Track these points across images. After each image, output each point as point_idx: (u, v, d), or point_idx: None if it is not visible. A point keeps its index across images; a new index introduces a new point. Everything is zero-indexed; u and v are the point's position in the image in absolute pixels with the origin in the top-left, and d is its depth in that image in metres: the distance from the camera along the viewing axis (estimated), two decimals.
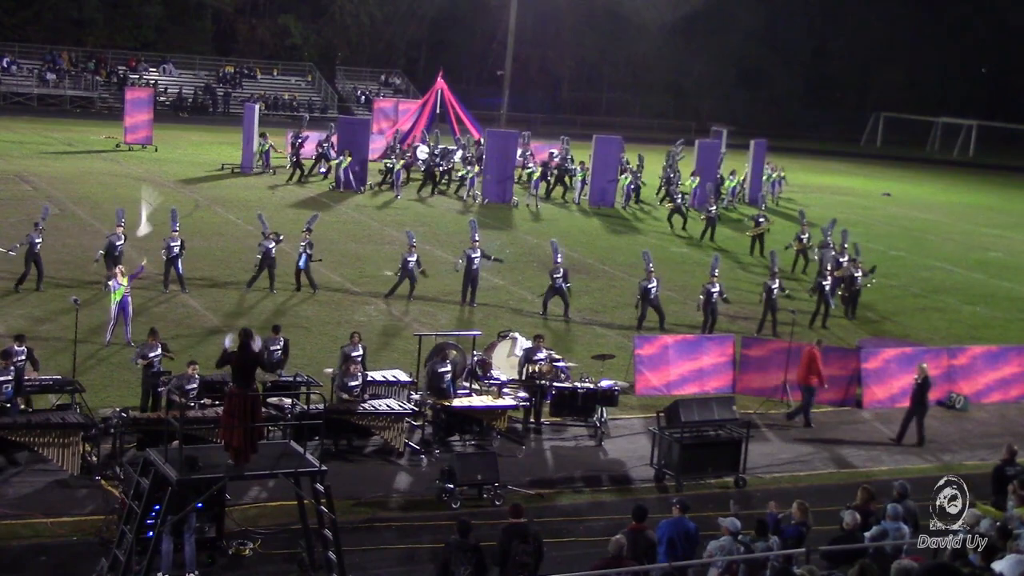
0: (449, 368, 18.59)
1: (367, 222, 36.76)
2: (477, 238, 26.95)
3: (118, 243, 25.43)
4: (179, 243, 25.62)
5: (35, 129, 53.60)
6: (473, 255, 26.62)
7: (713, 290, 25.15)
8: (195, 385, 16.83)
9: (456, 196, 43.19)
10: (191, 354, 20.45)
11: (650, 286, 25.38)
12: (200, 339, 22.37)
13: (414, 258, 26.62)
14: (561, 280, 26.04)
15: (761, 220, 35.87)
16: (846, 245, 30.25)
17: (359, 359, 18.82)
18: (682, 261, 34.06)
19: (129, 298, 21.76)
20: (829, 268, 28.28)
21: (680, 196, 41.00)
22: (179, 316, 24.07)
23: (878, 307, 30.59)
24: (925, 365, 20.55)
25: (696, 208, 41.11)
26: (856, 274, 28.47)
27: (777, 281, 26.03)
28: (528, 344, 20.52)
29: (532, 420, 19.22)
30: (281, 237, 26.92)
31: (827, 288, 27.45)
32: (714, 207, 38.59)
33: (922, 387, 20.23)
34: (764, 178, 48.62)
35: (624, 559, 11.80)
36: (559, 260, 26.40)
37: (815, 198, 52.36)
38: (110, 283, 21.89)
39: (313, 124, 50.41)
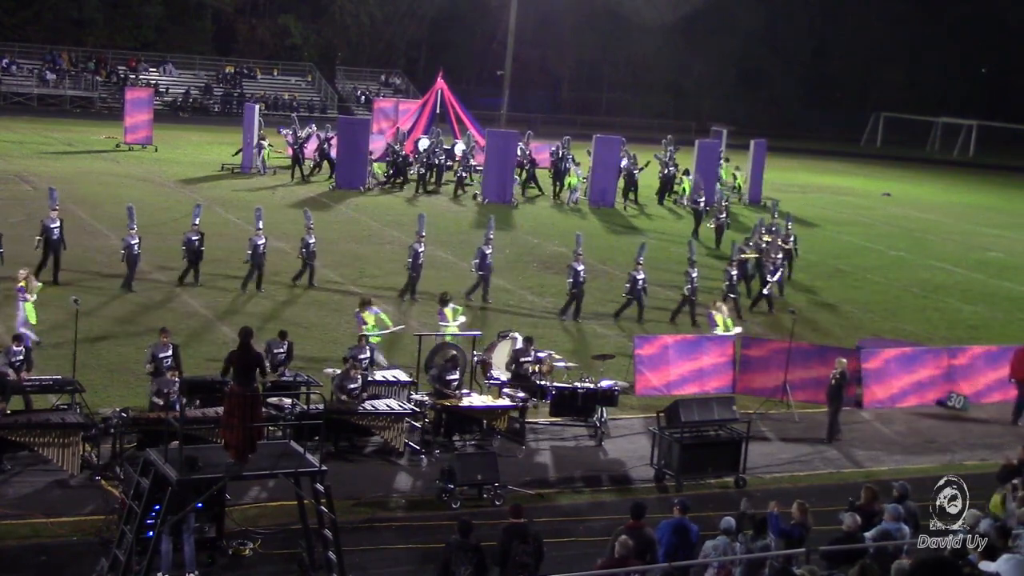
0: (458, 376, 18.62)
1: (367, 222, 36.76)
2: (423, 233, 26.91)
3: (132, 242, 25.46)
4: (137, 240, 25.52)
5: (35, 129, 53.60)
6: (419, 249, 26.55)
7: (638, 276, 25.92)
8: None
9: (454, 197, 43.22)
10: (191, 354, 20.51)
11: (639, 277, 25.90)
12: (200, 339, 22.37)
13: (262, 241, 26.48)
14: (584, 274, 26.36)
15: (789, 232, 33.63)
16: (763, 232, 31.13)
17: (365, 361, 18.83)
18: (682, 261, 33.91)
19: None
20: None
21: (681, 195, 41.08)
22: (179, 316, 24.07)
23: (878, 307, 30.62)
24: (844, 360, 20.46)
25: (684, 203, 41.17)
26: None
27: (735, 270, 27.29)
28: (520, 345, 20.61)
29: (521, 420, 19.14)
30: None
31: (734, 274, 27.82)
32: (702, 200, 38.56)
33: (839, 383, 20.14)
34: (731, 177, 47.91)
35: (630, 559, 11.80)
36: (581, 252, 26.56)
37: (815, 198, 52.38)
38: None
39: (306, 121, 50.45)
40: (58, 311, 23.03)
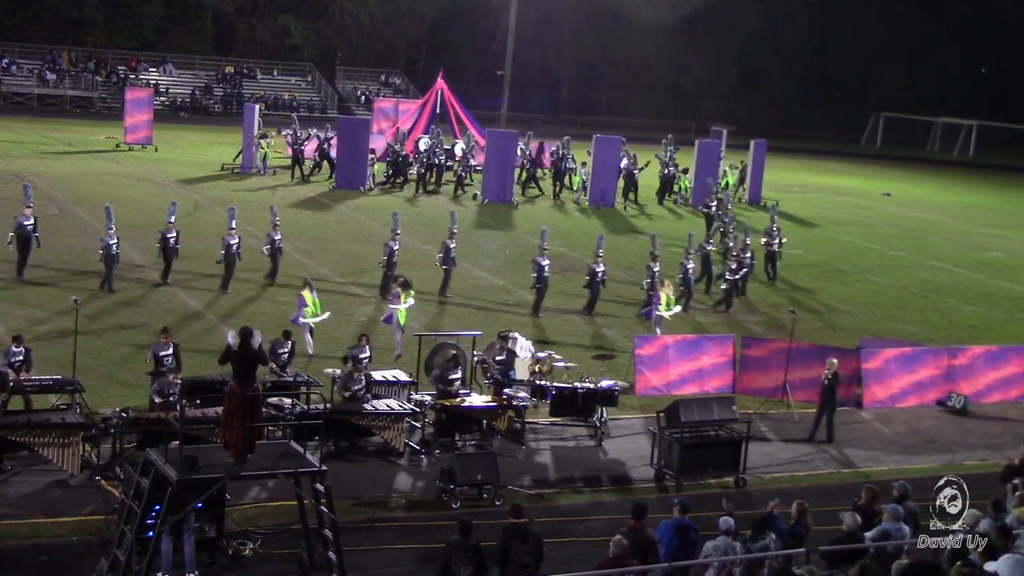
0: (459, 375, 18.63)
1: (367, 222, 36.73)
2: (399, 231, 27.18)
3: (111, 242, 25.38)
4: (115, 240, 25.41)
5: (35, 129, 53.60)
6: (394, 247, 26.72)
7: (598, 269, 26.32)
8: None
9: (454, 197, 43.25)
10: (192, 353, 20.51)
11: (598, 269, 26.44)
12: (200, 339, 22.37)
13: (236, 241, 26.35)
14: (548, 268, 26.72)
15: (774, 233, 33.21)
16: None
17: (365, 360, 18.84)
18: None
19: None
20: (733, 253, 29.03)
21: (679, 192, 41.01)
22: (178, 316, 24.06)
23: (878, 307, 30.61)
24: (835, 361, 20.40)
25: (694, 206, 41.17)
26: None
27: (691, 263, 27.63)
28: (528, 343, 20.64)
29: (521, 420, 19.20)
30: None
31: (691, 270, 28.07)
32: (714, 204, 38.57)
33: (832, 383, 20.11)
34: (721, 177, 47.72)
35: (626, 560, 11.79)
36: (546, 246, 26.89)
37: (815, 198, 52.39)
38: None
39: (307, 123, 50.45)
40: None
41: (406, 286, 22.98)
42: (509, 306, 27.27)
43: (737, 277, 28.45)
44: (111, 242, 25.30)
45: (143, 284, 26.41)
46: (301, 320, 21.84)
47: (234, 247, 26.25)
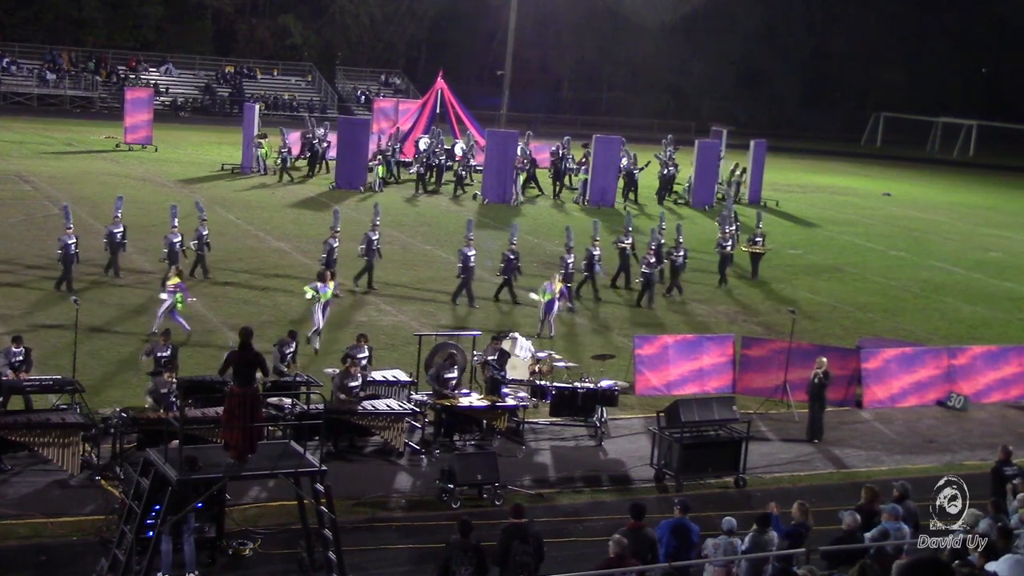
0: (456, 374, 18.64)
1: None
2: (338, 228, 27.45)
3: (69, 241, 25.22)
4: (74, 240, 25.24)
5: (35, 129, 53.58)
6: (334, 244, 26.79)
7: (469, 253, 26.84)
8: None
9: (454, 196, 43.25)
10: (192, 354, 20.51)
11: (469, 254, 26.92)
12: (200, 339, 22.37)
13: (178, 239, 26.28)
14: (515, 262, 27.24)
15: (758, 239, 33.31)
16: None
17: (363, 361, 18.84)
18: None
19: None
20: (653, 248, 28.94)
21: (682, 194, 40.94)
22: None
23: (878, 307, 30.61)
24: (824, 360, 20.38)
25: (694, 205, 41.13)
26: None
27: (597, 249, 28.14)
28: (528, 343, 20.64)
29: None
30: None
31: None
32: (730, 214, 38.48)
33: (822, 383, 20.08)
34: (727, 177, 47.61)
35: (626, 559, 11.79)
36: (515, 242, 27.41)
37: (815, 198, 52.38)
38: None
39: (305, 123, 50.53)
40: (57, 311, 23.03)
41: (323, 278, 23.33)
42: (509, 305, 27.25)
43: (654, 271, 28.24)
44: (69, 241, 25.13)
45: (143, 285, 26.40)
46: (164, 295, 22.30)
47: (176, 244, 26.12)
